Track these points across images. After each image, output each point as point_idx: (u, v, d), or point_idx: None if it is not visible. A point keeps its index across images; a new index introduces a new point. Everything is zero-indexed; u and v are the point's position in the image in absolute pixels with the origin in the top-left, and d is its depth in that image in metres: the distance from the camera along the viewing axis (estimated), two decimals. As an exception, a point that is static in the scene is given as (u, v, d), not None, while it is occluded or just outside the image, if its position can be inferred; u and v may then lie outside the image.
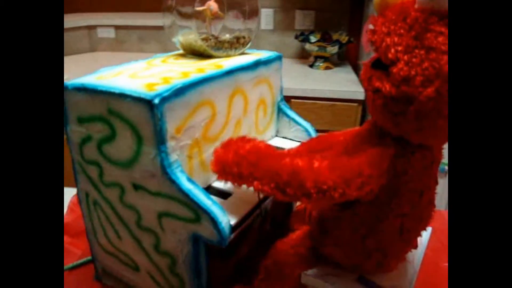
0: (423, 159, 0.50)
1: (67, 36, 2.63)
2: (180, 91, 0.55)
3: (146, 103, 0.52)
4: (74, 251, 0.89)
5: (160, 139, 0.54)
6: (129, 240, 0.65)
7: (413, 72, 0.42)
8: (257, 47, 2.75)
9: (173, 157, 0.55)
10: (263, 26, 2.63)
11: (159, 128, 0.53)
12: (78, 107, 0.60)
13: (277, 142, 0.82)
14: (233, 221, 0.56)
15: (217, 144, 0.64)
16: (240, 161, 0.53)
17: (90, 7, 3.36)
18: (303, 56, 2.72)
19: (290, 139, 0.83)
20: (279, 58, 0.77)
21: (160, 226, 0.59)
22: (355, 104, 2.16)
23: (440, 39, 0.41)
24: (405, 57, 0.43)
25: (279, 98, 0.81)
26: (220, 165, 0.55)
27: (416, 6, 0.44)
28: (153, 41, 2.73)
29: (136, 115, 0.54)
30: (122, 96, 0.54)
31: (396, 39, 0.44)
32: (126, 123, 0.56)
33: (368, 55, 2.29)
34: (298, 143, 0.76)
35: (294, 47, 2.74)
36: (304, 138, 0.80)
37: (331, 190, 0.48)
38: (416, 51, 0.42)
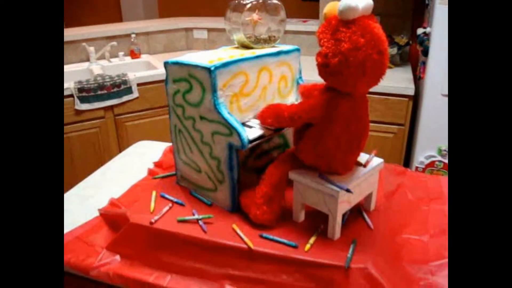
0: (347, 101, 0.91)
1: (169, 36, 3.25)
2: (224, 65, 1.01)
3: (207, 69, 0.99)
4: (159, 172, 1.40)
5: (214, 89, 1.00)
6: (196, 152, 1.13)
7: (328, 51, 0.84)
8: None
9: (220, 100, 1.02)
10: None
11: (214, 83, 1.00)
12: (173, 73, 1.10)
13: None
14: (250, 137, 1.02)
15: (249, 98, 1.09)
16: (266, 110, 1.00)
17: (187, 12, 4.01)
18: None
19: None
20: (297, 50, 1.21)
21: (213, 140, 1.07)
22: (406, 99, 2.47)
23: (342, 34, 0.83)
24: (326, 44, 0.85)
25: (297, 76, 1.24)
26: (259, 114, 1.04)
27: (338, 17, 0.86)
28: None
29: (202, 76, 1.01)
30: (196, 66, 1.02)
31: (324, 35, 0.86)
32: (197, 81, 1.03)
33: (421, 55, 2.59)
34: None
35: (357, 48, 3.08)
36: (313, 103, 1.22)
37: (294, 115, 0.92)
38: (331, 41, 0.84)
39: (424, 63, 2.37)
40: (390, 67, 2.82)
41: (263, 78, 1.12)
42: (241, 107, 1.09)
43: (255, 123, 1.09)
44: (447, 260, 1.05)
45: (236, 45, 1.24)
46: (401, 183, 1.36)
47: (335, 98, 0.91)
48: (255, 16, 1.15)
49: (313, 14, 3.29)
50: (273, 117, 0.98)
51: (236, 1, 1.16)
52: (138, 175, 1.44)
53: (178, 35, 3.31)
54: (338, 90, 0.91)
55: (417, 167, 2.43)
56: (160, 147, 1.67)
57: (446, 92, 2.21)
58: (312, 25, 3.10)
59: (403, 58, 2.93)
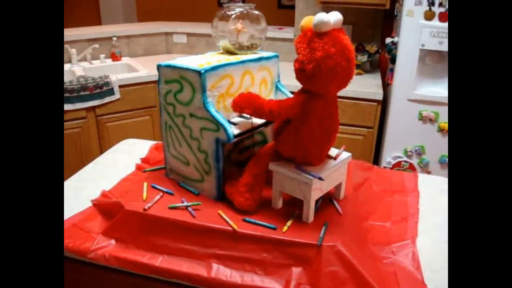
0: (321, 101, 1.06)
1: (149, 40, 3.34)
2: (213, 68, 1.14)
3: (197, 72, 1.12)
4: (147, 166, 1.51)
5: (203, 90, 1.13)
6: (185, 146, 1.26)
7: (304, 59, 0.98)
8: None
9: (209, 100, 1.15)
10: (305, 37, 3.18)
11: (203, 84, 1.13)
12: (165, 75, 1.22)
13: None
14: (235, 132, 1.15)
15: (234, 98, 1.22)
16: (242, 99, 1.13)
17: (166, 17, 4.11)
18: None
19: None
20: (276, 56, 1.35)
21: (201, 135, 1.19)
22: (375, 104, 2.64)
23: (316, 44, 0.97)
24: (302, 52, 0.99)
25: (276, 80, 1.38)
26: (234, 102, 1.15)
27: (312, 30, 1.00)
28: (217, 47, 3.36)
29: (193, 78, 1.14)
30: (187, 69, 1.14)
31: (300, 45, 1.00)
32: (188, 82, 1.16)
33: (390, 63, 2.77)
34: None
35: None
36: (290, 104, 1.36)
37: (274, 112, 1.06)
38: (307, 50, 0.98)
39: (392, 70, 2.56)
40: (360, 74, 3.01)
41: (246, 81, 1.25)
42: (226, 106, 1.21)
43: (239, 120, 1.22)
44: (407, 242, 1.21)
45: (221, 51, 1.37)
46: (368, 177, 1.51)
47: (311, 99, 1.05)
48: (239, 25, 1.28)
49: (289, 21, 3.45)
50: (251, 109, 1.11)
51: (222, 11, 1.29)
52: (127, 169, 1.55)
53: (158, 39, 3.41)
54: (313, 92, 1.05)
55: (384, 167, 2.61)
56: (145, 145, 1.78)
57: (412, 97, 2.40)
58: (288, 32, 3.25)
59: (373, 65, 3.12)
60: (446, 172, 2.54)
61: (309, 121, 1.06)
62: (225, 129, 1.12)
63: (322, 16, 0.96)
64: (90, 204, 1.34)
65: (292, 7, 3.65)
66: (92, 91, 2.59)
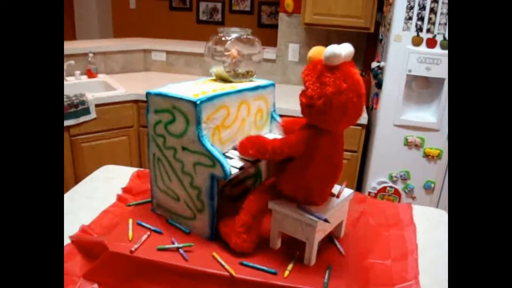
0: (327, 137, 0.99)
1: (126, 57, 3.23)
2: (209, 99, 1.06)
3: (193, 103, 1.03)
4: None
5: (198, 122, 1.05)
6: (175, 181, 1.16)
7: (314, 94, 0.92)
8: (285, 74, 3.29)
9: (204, 132, 1.06)
10: (290, 58, 3.15)
11: (198, 116, 1.04)
12: (155, 104, 1.13)
13: (270, 136, 1.32)
14: (233, 170, 1.06)
15: (229, 131, 1.14)
16: (247, 142, 1.06)
17: (142, 34, 4.02)
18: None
19: (277, 134, 1.33)
20: (272, 85, 1.28)
21: (194, 170, 1.10)
22: (360, 128, 2.61)
23: (327, 79, 0.91)
24: (312, 86, 0.92)
25: (272, 110, 1.31)
26: (240, 144, 1.08)
27: (323, 63, 0.94)
28: (197, 66, 3.29)
29: (187, 109, 1.05)
30: (181, 99, 1.06)
31: (309, 78, 0.93)
32: (181, 113, 1.07)
33: (373, 87, 2.76)
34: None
35: (312, 77, 3.25)
36: (286, 135, 1.29)
37: (277, 149, 0.98)
38: (317, 84, 0.92)
39: (377, 94, 2.54)
40: (343, 96, 2.97)
41: (242, 111, 1.18)
42: (222, 138, 1.13)
43: (234, 154, 1.14)
44: (411, 282, 1.14)
45: (214, 78, 1.29)
46: (363, 211, 1.45)
47: (316, 135, 0.98)
48: (234, 51, 1.21)
49: (268, 41, 3.42)
50: (255, 149, 1.04)
51: (217, 36, 1.22)
52: (107, 200, 1.43)
53: (136, 56, 3.30)
54: (319, 128, 0.98)
55: (369, 192, 2.57)
56: (126, 172, 1.67)
57: (398, 123, 2.38)
58: (270, 53, 3.21)
59: (355, 88, 3.10)
60: (430, 197, 2.52)
61: (315, 159, 0.99)
62: (222, 165, 1.04)
63: (334, 49, 0.90)
64: (69, 241, 1.22)
65: (272, 26, 3.63)
66: (67, 110, 2.45)
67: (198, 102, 1.03)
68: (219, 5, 4.04)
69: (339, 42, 3.24)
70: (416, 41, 2.20)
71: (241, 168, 1.09)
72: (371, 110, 2.72)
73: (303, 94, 0.96)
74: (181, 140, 1.10)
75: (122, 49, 3.21)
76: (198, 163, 1.08)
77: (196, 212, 1.14)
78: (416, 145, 2.41)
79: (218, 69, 1.24)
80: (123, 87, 2.75)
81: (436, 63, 2.20)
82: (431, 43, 2.18)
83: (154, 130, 1.16)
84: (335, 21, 2.72)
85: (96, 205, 1.40)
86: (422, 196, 2.51)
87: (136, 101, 2.68)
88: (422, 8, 2.14)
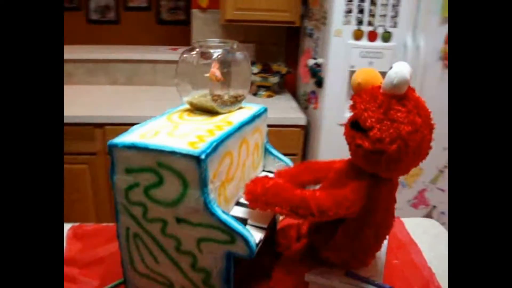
0: (388, 187, 0.75)
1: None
2: (215, 147, 0.74)
3: (194, 158, 0.71)
4: (91, 282, 1.02)
5: (204, 183, 0.73)
6: (166, 263, 0.82)
7: (383, 135, 0.66)
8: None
9: (211, 196, 0.75)
10: (206, 59, 2.84)
11: (204, 175, 0.72)
12: (126, 161, 0.77)
13: (262, 175, 1.03)
14: (257, 240, 0.77)
15: (233, 183, 0.84)
16: (266, 192, 0.74)
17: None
18: (246, 86, 2.98)
19: (274, 171, 1.05)
20: (265, 110, 0.99)
21: (199, 249, 0.78)
22: (298, 129, 2.44)
23: (399, 114, 0.66)
24: (378, 126, 0.67)
25: (265, 141, 1.03)
26: (251, 195, 0.76)
27: (381, 90, 0.69)
28: (102, 74, 2.80)
29: (184, 166, 0.72)
30: (172, 153, 0.72)
31: (371, 113, 0.68)
32: (174, 173, 0.74)
33: (304, 84, 2.60)
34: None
35: (237, 78, 2.99)
36: (286, 171, 1.02)
37: (328, 211, 0.71)
38: (385, 122, 0.67)
39: (314, 93, 2.37)
40: (271, 96, 2.79)
41: (243, 154, 0.88)
42: (227, 196, 0.82)
43: (243, 212, 0.84)
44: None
45: (185, 107, 0.96)
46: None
47: (377, 185, 0.73)
48: (215, 70, 0.89)
49: (170, 39, 3.09)
50: (287, 207, 0.74)
51: (195, 52, 0.89)
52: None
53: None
54: (376, 175, 0.73)
55: (319, 197, 2.42)
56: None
57: (343, 121, 2.24)
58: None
59: (280, 86, 2.93)
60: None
61: (375, 214, 0.75)
62: (245, 240, 0.73)
63: (403, 72, 0.65)
64: None
65: (175, 22, 3.31)
66: None
67: (203, 157, 0.71)
68: (111, 2, 3.54)
69: (259, 38, 3.01)
70: (357, 35, 2.06)
71: (265, 236, 0.79)
72: (306, 109, 2.55)
73: (361, 136, 0.69)
74: (175, 210, 0.76)
75: None
76: (205, 239, 0.76)
77: (202, 301, 0.82)
78: (362, 143, 2.30)
79: (199, 96, 0.91)
80: None
81: (378, 56, 2.09)
82: (372, 36, 2.06)
83: (126, 197, 0.80)
84: (259, 16, 2.49)
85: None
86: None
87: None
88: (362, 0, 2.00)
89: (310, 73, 2.33)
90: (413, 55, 2.08)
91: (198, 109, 0.94)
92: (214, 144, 0.74)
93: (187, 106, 0.96)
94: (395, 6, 2.01)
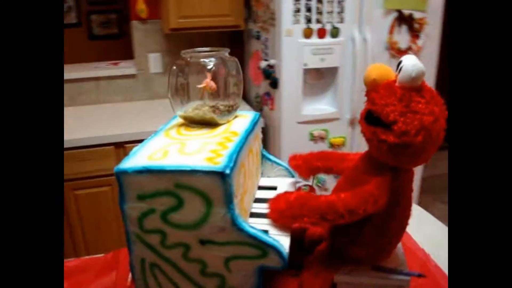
0: (409, 176, 0.76)
1: None
2: (236, 161, 0.71)
3: (218, 174, 0.67)
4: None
5: (229, 199, 0.69)
6: (190, 289, 0.77)
7: (408, 128, 0.67)
8: (150, 89, 2.88)
9: (237, 211, 0.71)
10: (152, 70, 2.75)
11: (229, 191, 0.68)
12: (138, 187, 0.71)
13: (264, 181, 1.01)
14: (287, 249, 0.74)
15: (247, 194, 0.81)
16: (291, 206, 0.73)
17: None
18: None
19: (273, 177, 1.03)
20: (260, 116, 0.97)
21: (227, 269, 0.74)
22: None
23: (420, 105, 0.67)
24: (402, 119, 0.68)
25: (261, 147, 1.01)
26: (276, 212, 0.74)
27: (397, 84, 0.70)
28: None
29: (207, 184, 0.68)
30: (193, 172, 0.68)
31: (392, 107, 0.68)
32: (195, 192, 0.69)
33: (256, 87, 2.59)
34: (279, 179, 0.98)
35: (187, 87, 2.92)
36: (285, 175, 1.01)
37: (357, 209, 0.71)
38: (408, 114, 0.67)
39: (269, 94, 2.38)
40: (223, 101, 2.74)
41: (250, 163, 0.85)
42: (246, 209, 0.79)
43: (261, 223, 0.81)
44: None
45: (177, 121, 0.91)
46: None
47: (399, 177, 0.74)
48: (212, 83, 0.86)
49: (103, 55, 2.97)
50: (317, 215, 0.73)
51: (188, 63, 0.85)
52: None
53: None
54: (401, 168, 0.74)
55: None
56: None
57: (301, 119, 2.27)
58: (127, 68, 2.75)
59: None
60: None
61: (399, 207, 0.75)
62: (277, 251, 0.71)
63: (420, 65, 0.66)
64: None
65: (107, 37, 3.18)
66: None
67: (227, 172, 0.67)
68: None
69: (203, 44, 3.00)
70: (307, 33, 2.09)
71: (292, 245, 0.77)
72: (261, 111, 2.55)
73: (383, 131, 0.69)
74: (198, 232, 0.72)
75: None
76: (234, 257, 0.73)
77: (233, 322, 0.78)
78: (321, 138, 2.34)
79: (192, 109, 0.87)
80: None
81: (329, 52, 2.14)
82: (321, 33, 2.11)
83: (140, 226, 0.74)
84: (203, 22, 2.45)
85: None
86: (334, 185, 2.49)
87: None
88: (309, -2, 2.04)
89: (263, 75, 2.33)
90: (361, 47, 2.15)
91: (196, 122, 0.89)
92: (234, 156, 0.71)
93: (179, 120, 0.91)
94: (341, 2, 2.07)
